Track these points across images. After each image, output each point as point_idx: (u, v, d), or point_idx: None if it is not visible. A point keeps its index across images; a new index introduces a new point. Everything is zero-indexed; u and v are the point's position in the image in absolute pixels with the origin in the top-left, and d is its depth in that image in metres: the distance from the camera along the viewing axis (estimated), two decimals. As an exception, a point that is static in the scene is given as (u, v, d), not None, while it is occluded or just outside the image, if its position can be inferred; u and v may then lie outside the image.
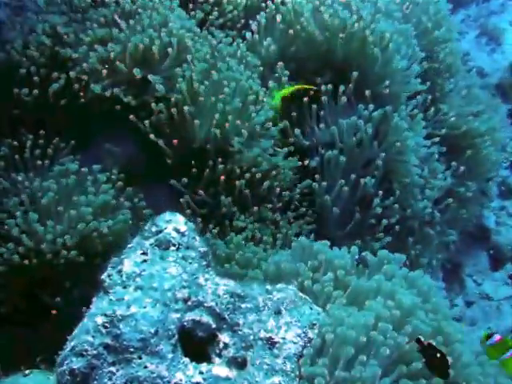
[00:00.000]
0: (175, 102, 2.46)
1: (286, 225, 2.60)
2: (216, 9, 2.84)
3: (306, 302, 1.71)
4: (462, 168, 3.03)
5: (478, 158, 3.08)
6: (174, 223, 1.73)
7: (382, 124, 2.74)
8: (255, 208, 2.56)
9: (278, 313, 1.65)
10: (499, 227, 5.01)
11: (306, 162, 2.83)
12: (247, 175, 2.54)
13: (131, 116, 2.48)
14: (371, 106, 2.74)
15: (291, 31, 2.80)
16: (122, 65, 2.43)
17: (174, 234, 1.71)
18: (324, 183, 2.75)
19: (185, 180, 2.52)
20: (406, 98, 2.95)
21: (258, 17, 2.88)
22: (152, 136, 2.47)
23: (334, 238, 2.79)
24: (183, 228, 1.74)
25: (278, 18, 2.85)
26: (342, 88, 2.75)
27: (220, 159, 2.51)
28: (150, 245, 1.70)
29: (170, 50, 2.46)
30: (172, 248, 1.70)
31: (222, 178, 2.53)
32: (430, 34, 3.13)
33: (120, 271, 1.62)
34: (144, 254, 1.68)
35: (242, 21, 2.90)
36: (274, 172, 2.64)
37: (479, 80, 8.69)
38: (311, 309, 1.69)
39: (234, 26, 2.86)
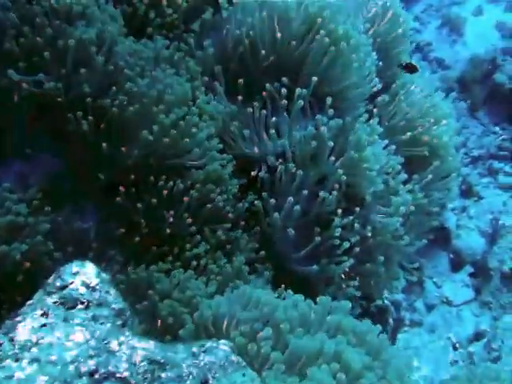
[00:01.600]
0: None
1: (234, 249, 2.35)
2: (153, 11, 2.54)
3: (238, 366, 1.46)
4: (425, 179, 2.82)
5: (441, 168, 2.86)
6: (83, 275, 1.46)
7: (340, 135, 2.49)
8: (203, 231, 2.31)
9: (204, 383, 1.40)
10: (459, 230, 4.88)
11: (254, 173, 2.57)
12: (194, 194, 2.28)
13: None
14: (331, 111, 2.48)
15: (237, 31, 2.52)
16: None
17: (83, 290, 1.44)
18: (272, 200, 2.50)
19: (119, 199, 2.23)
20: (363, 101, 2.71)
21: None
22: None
23: (287, 261, 2.58)
24: (94, 281, 1.47)
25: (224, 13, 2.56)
26: (298, 92, 2.48)
27: (163, 176, 2.24)
28: (54, 303, 1.43)
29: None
30: (80, 306, 1.43)
31: (165, 192, 2.25)
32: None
33: (12, 339, 1.35)
34: (44, 314, 1.40)
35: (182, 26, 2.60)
36: (219, 188, 2.38)
37: (440, 73, 8.57)
38: (244, 375, 1.45)
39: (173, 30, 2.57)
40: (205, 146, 2.31)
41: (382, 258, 2.67)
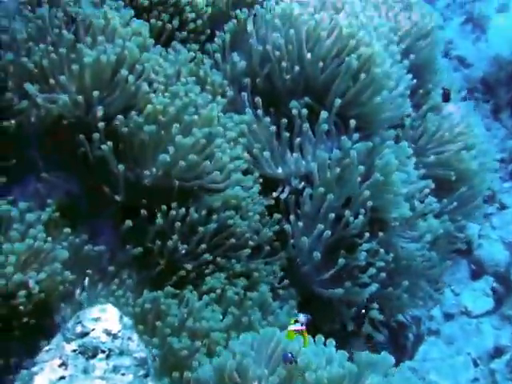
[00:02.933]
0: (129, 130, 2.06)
1: (256, 277, 2.25)
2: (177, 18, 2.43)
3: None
4: (450, 205, 2.70)
5: (467, 193, 2.74)
6: (105, 322, 1.37)
7: (367, 158, 2.38)
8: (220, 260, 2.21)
9: None
10: (481, 240, 4.74)
11: (275, 195, 2.47)
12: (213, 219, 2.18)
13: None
14: (356, 136, 2.38)
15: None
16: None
17: (104, 338, 1.36)
18: (300, 223, 2.40)
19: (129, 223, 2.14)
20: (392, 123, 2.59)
21: (225, 27, 2.47)
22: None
23: (312, 285, 2.48)
24: (116, 327, 1.38)
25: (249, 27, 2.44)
26: (323, 114, 2.37)
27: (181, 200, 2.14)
28: (73, 351, 1.34)
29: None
30: (100, 355, 1.34)
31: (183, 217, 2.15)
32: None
33: (30, 393, 1.27)
34: (63, 365, 1.32)
35: (208, 31, 2.49)
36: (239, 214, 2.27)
37: (463, 72, 8.36)
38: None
39: (197, 38, 2.45)
40: (228, 168, 2.20)
41: (406, 283, 2.58)
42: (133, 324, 1.43)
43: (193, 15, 2.46)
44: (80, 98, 2.00)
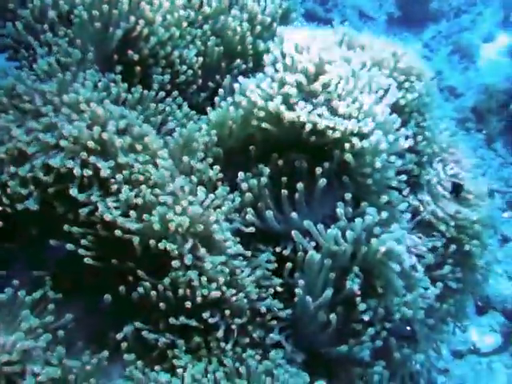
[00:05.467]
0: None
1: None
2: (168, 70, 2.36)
3: None
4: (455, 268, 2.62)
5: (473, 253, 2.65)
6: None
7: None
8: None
9: None
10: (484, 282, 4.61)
11: (278, 250, 2.37)
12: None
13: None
14: (349, 210, 2.31)
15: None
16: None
17: None
18: (302, 281, 2.29)
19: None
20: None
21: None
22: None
23: (316, 343, 2.37)
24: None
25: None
26: (318, 170, 2.30)
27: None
28: None
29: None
30: None
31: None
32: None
33: None
34: None
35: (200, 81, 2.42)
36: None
37: (454, 102, 8.37)
38: None
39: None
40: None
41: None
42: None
43: (184, 67, 2.40)
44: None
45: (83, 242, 1.97)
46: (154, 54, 2.38)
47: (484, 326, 5.02)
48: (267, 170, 2.31)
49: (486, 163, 7.29)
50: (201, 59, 2.49)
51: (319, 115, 2.24)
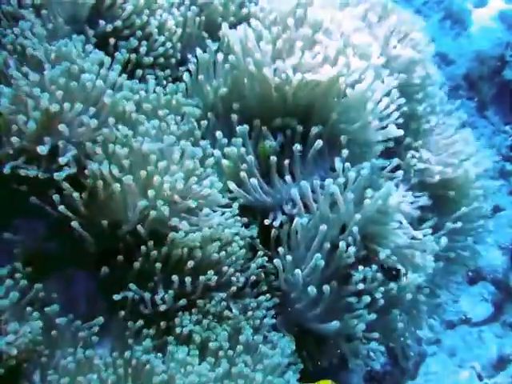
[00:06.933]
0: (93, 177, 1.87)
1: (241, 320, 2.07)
2: (145, 43, 2.23)
3: None
4: (453, 225, 2.53)
5: (469, 213, 2.58)
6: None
7: (358, 183, 2.21)
8: (201, 301, 2.03)
9: None
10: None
11: (267, 222, 2.29)
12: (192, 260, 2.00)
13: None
14: (345, 152, 2.22)
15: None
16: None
17: None
18: (289, 257, 2.22)
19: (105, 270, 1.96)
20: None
21: (198, 50, 2.29)
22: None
23: (306, 320, 2.31)
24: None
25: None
26: (314, 130, 2.20)
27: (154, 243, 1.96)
28: None
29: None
30: None
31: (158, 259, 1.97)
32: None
33: None
34: None
35: (179, 55, 2.30)
36: (225, 251, 2.09)
37: (445, 69, 8.25)
38: None
39: (168, 64, 2.27)
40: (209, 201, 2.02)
41: (400, 313, 2.42)
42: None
43: (162, 39, 2.28)
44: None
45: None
46: (130, 25, 2.26)
47: (475, 295, 5.01)
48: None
49: (478, 131, 7.21)
50: (180, 30, 2.38)
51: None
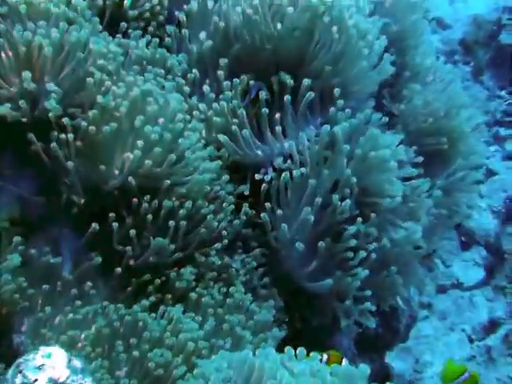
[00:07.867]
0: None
1: (232, 276, 2.03)
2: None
3: None
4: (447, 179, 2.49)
5: (463, 165, 2.53)
6: (50, 369, 1.13)
7: (353, 134, 2.16)
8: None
9: None
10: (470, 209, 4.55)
11: (259, 177, 2.23)
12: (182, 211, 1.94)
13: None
14: (348, 111, 2.15)
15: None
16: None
17: (49, 388, 1.12)
18: (279, 211, 2.16)
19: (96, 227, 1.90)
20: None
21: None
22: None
23: (297, 278, 2.26)
24: (64, 374, 1.14)
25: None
26: (306, 82, 2.12)
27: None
28: (12, 408, 1.11)
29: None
30: (46, 411, 1.11)
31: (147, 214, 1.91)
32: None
33: None
34: (1, 427, 1.08)
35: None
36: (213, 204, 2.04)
37: (441, 34, 8.12)
38: None
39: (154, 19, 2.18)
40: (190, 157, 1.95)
41: (395, 269, 2.38)
42: (85, 365, 1.20)
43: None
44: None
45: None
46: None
47: (468, 260, 5.01)
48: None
49: (473, 96, 7.11)
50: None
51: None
